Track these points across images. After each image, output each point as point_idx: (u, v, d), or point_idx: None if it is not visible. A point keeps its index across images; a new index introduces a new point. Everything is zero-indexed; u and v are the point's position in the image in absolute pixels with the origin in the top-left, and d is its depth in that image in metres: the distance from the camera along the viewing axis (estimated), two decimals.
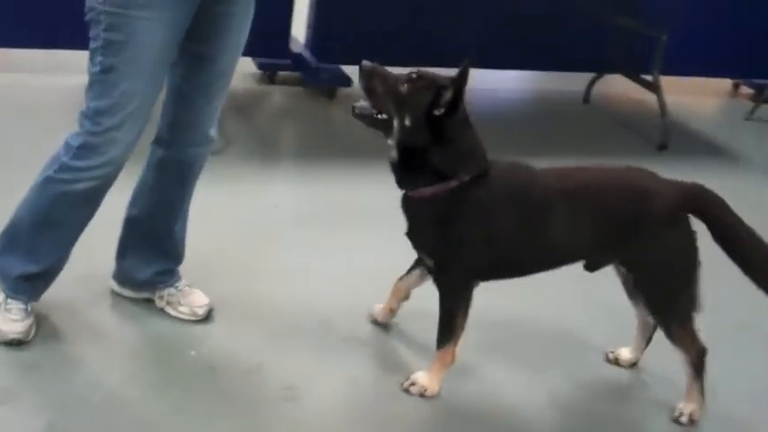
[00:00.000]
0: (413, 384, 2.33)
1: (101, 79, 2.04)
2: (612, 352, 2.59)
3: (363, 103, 2.20)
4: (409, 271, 2.52)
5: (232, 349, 2.40)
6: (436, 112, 2.12)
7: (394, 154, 2.20)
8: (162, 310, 2.49)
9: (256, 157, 3.77)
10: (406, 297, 2.56)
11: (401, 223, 3.25)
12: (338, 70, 4.51)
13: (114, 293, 2.55)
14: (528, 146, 4.05)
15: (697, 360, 2.30)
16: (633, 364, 2.56)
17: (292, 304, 2.67)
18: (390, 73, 2.19)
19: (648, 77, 4.64)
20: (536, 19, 4.68)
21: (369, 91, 2.18)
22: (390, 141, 2.19)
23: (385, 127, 2.18)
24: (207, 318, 2.49)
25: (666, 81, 4.65)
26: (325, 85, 4.52)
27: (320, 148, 3.98)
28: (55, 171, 2.14)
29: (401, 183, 2.23)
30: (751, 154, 4.64)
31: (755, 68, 5.46)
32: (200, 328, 2.46)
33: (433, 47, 4.42)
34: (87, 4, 2.03)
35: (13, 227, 2.25)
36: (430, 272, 2.34)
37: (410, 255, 3.00)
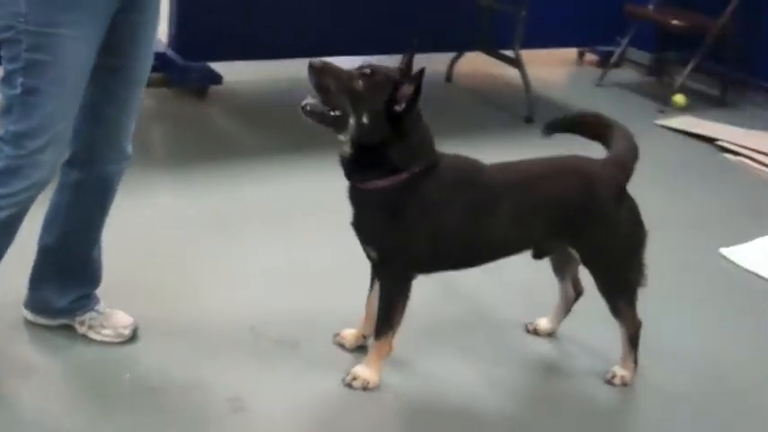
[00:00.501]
0: (354, 379, 2.35)
1: (22, 101, 1.92)
2: (531, 323, 2.71)
3: (312, 100, 2.14)
4: (371, 288, 2.46)
5: (167, 367, 2.33)
6: (397, 108, 2.10)
7: (347, 149, 2.17)
8: (84, 335, 2.38)
9: (137, 165, 3.58)
10: None
11: (302, 220, 3.28)
12: (207, 68, 4.41)
13: (28, 322, 2.41)
14: None
15: (635, 333, 2.44)
16: (551, 334, 2.68)
17: (215, 313, 2.61)
18: (342, 69, 2.14)
19: (507, 53, 4.83)
20: (392, 2, 4.75)
21: (321, 88, 2.11)
22: (343, 137, 2.16)
23: (338, 123, 2.13)
24: (133, 337, 2.41)
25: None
26: (195, 85, 4.41)
27: (203, 151, 3.87)
28: None
29: (352, 176, 2.21)
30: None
31: (599, 36, 5.78)
32: (128, 349, 2.37)
33: (301, 37, 4.42)
34: (2, 23, 1.90)
35: None
36: (374, 264, 2.34)
37: (319, 248, 3.05)
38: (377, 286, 2.40)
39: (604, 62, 5.76)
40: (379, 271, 2.34)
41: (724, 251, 3.43)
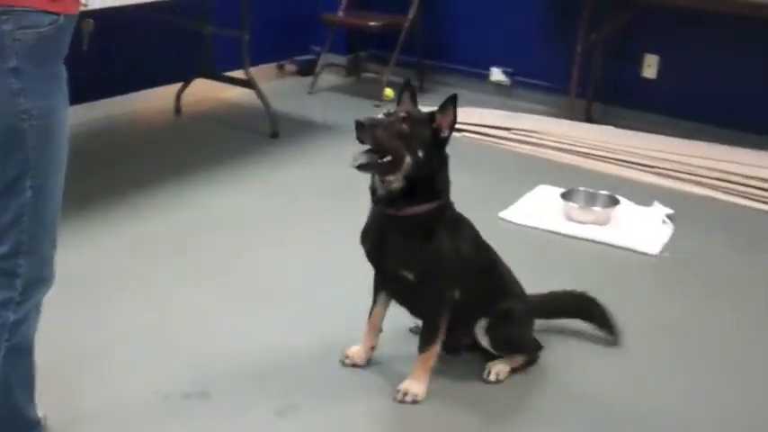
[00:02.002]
0: (406, 394, 2.49)
1: (34, 204, 1.79)
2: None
3: (362, 157, 2.27)
4: (375, 303, 2.61)
5: None
6: (444, 135, 2.34)
7: (398, 185, 2.32)
8: None
9: None
10: (380, 330, 2.67)
11: (148, 271, 3.21)
12: None
13: None
14: (138, 171, 4.19)
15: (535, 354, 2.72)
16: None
17: (112, 387, 2.52)
18: (381, 118, 2.30)
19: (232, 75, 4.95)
20: (107, 46, 4.65)
21: (376, 142, 2.26)
22: (392, 177, 2.31)
23: (390, 168, 2.29)
24: None
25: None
26: None
27: None
28: (7, 339, 1.86)
29: (394, 205, 2.35)
30: (336, 119, 5.14)
31: (296, 47, 6.08)
32: None
33: None
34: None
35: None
36: (409, 285, 2.44)
37: (183, 297, 3.04)
38: (381, 299, 2.59)
39: (303, 71, 6.08)
40: (419, 290, 2.46)
41: (502, 214, 3.89)
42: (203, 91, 5.26)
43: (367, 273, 2.57)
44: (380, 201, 2.38)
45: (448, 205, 2.45)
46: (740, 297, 3.31)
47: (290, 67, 6.23)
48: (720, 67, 5.04)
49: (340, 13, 5.73)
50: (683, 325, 3.07)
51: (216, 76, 5.05)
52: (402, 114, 2.33)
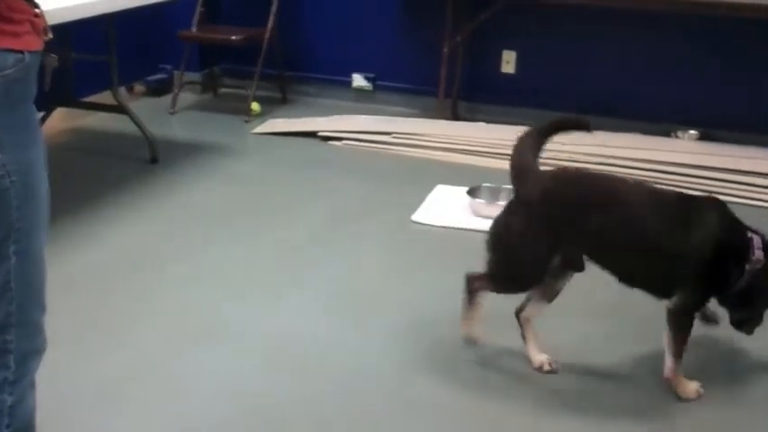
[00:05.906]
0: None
1: (19, 269, 1.59)
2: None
3: None
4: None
5: None
6: None
7: None
8: None
9: None
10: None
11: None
12: None
13: None
14: None
15: None
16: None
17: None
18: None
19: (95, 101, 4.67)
20: None
21: None
22: None
23: None
24: None
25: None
26: None
27: None
28: (8, 426, 1.65)
29: None
30: (208, 138, 5.01)
31: (144, 69, 5.84)
32: None
33: None
34: None
35: None
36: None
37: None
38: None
39: (154, 91, 5.85)
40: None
41: (414, 217, 3.92)
42: (59, 121, 4.93)
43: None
44: None
45: None
46: None
47: (139, 87, 5.97)
48: (573, 58, 5.32)
49: (194, 29, 5.54)
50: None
51: (80, 103, 4.75)
52: None
